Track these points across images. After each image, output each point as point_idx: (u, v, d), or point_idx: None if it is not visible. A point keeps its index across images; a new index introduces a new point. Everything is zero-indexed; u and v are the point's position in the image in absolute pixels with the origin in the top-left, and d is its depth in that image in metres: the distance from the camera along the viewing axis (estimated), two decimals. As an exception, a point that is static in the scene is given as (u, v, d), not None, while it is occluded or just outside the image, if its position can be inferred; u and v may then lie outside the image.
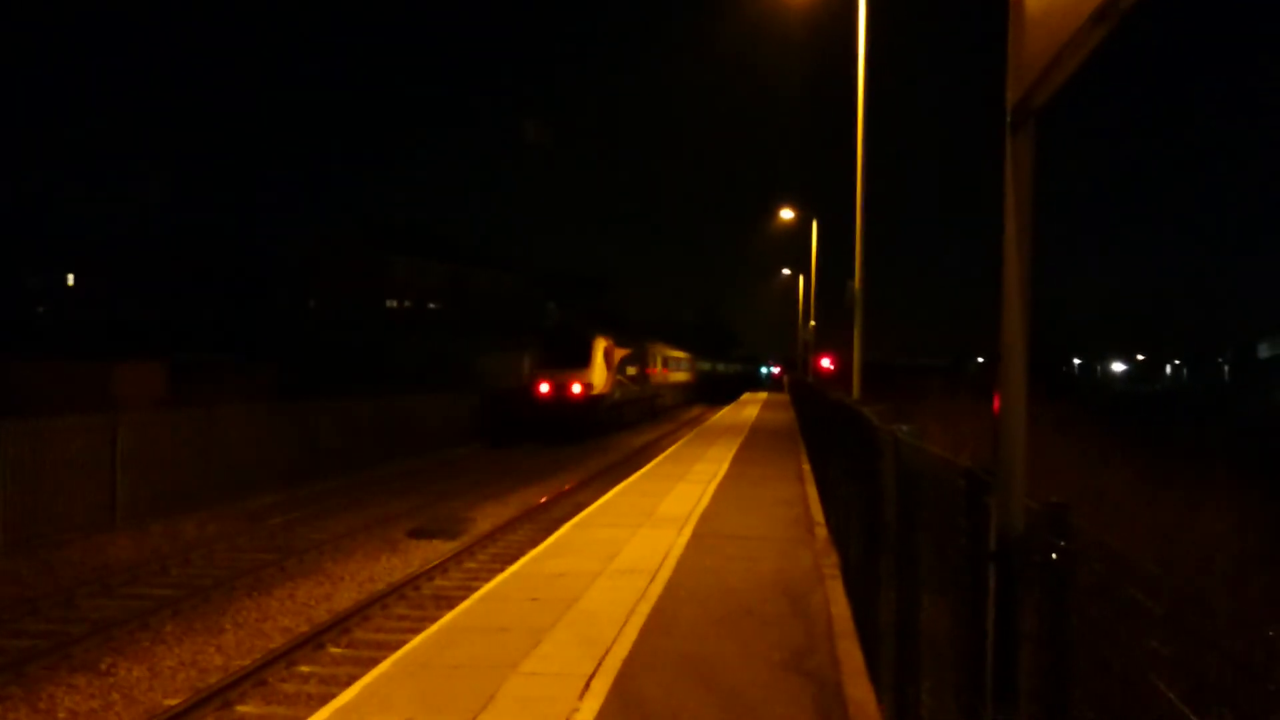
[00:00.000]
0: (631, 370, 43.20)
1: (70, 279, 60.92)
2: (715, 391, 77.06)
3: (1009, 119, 3.10)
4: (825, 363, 49.76)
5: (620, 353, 40.12)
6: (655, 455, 25.17)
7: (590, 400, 35.49)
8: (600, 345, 36.77)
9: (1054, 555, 2.58)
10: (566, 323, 44.67)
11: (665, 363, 54.53)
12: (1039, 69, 2.77)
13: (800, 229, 50.23)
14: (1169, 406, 57.27)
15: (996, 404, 3.18)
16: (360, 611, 11.13)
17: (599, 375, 36.26)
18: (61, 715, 8.29)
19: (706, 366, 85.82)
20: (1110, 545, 2.40)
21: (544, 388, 35.14)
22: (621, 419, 40.52)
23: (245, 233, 58.41)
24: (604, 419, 37.15)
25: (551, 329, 40.96)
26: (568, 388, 34.98)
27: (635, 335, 46.78)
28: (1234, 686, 1.75)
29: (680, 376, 61.07)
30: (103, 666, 9.45)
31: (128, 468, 16.68)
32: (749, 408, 52.57)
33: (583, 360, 35.65)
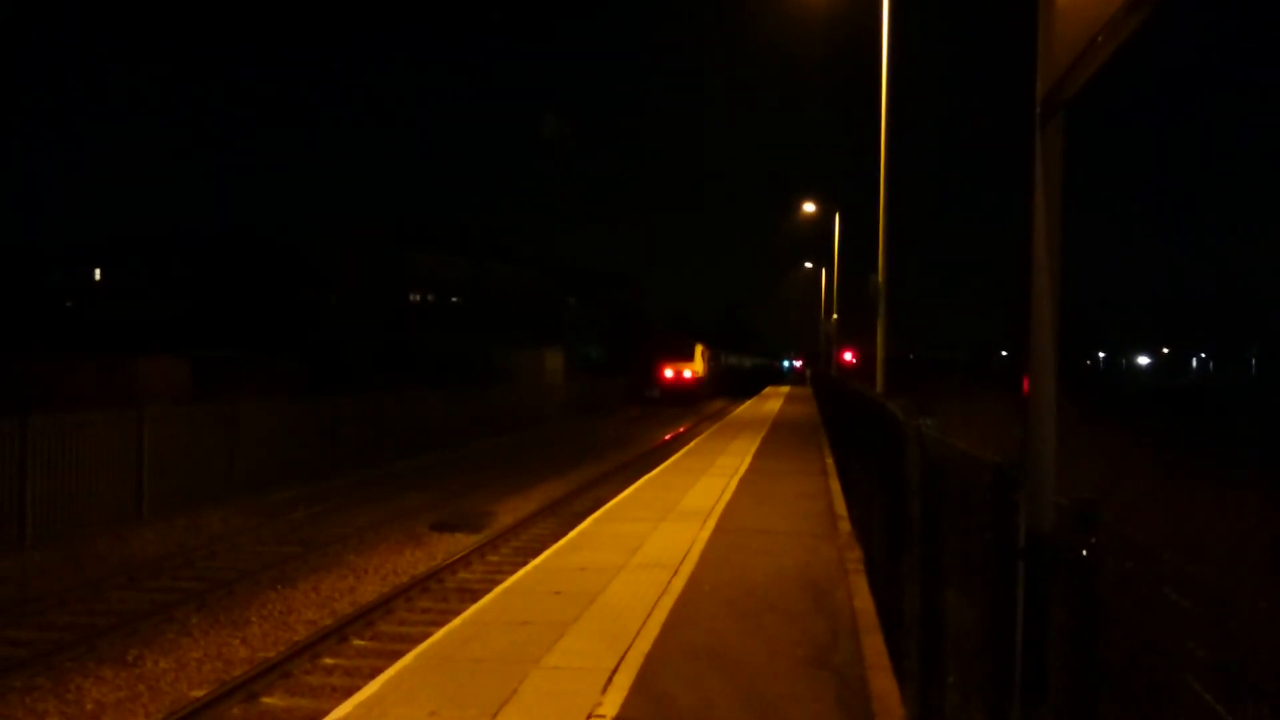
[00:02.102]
0: (711, 364, 66.32)
1: (97, 274, 61.47)
2: (737, 385, 76.91)
3: (1038, 110, 3.04)
4: (848, 356, 49.64)
5: (707, 352, 63.05)
6: (678, 449, 25.15)
7: (695, 381, 58.84)
8: (699, 347, 60.59)
9: (1085, 552, 2.55)
10: (679, 331, 70.18)
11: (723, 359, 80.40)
12: (1069, 59, 2.71)
13: (823, 222, 50.09)
14: (1196, 401, 56.63)
15: (1026, 386, 3.13)
16: (384, 604, 11.19)
17: (700, 365, 60.13)
18: (89, 706, 8.37)
19: (729, 360, 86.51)
20: (1142, 541, 2.37)
21: (668, 373, 58.61)
22: (710, 393, 63.25)
23: (268, 229, 58.70)
24: (699, 393, 59.14)
25: (669, 337, 63.52)
26: (680, 373, 58.60)
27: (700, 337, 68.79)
28: (1272, 685, 1.72)
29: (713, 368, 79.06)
30: (129, 658, 9.54)
31: (153, 462, 16.82)
32: (771, 401, 52.45)
33: (690, 356, 59.16)
